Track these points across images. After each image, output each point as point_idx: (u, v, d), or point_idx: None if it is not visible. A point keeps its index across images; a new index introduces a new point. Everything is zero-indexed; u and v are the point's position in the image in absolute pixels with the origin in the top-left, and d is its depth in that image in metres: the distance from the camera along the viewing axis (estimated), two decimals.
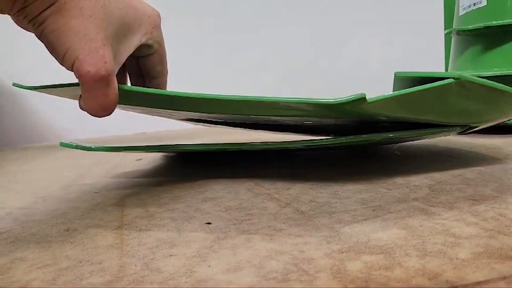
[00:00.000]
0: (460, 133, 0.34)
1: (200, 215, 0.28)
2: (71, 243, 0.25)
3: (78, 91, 0.26)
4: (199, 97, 0.27)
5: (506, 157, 0.40)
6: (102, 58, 0.25)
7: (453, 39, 0.58)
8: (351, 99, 0.24)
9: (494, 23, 0.50)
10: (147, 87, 0.34)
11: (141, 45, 0.30)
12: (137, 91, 0.29)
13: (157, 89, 0.32)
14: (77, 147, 0.36)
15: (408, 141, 0.46)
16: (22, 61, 0.87)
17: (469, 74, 0.52)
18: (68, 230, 0.27)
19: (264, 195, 0.32)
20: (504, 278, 0.18)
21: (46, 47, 0.25)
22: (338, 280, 0.18)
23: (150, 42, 0.30)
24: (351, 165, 0.41)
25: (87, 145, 0.37)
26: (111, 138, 0.89)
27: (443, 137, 0.54)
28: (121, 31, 0.27)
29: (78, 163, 0.55)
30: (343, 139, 0.31)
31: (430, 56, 0.90)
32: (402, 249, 0.21)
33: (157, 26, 0.31)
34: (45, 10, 0.23)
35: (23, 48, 0.88)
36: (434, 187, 0.31)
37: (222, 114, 0.34)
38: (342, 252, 0.21)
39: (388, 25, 1.04)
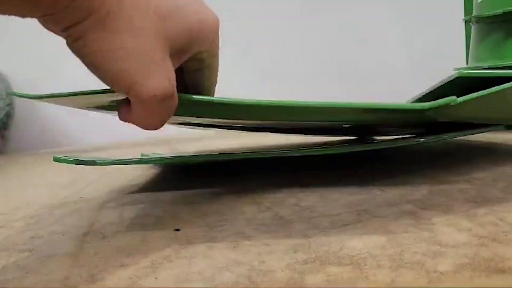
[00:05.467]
0: None
1: (172, 221, 0.26)
2: (30, 251, 0.23)
3: (104, 98, 0.23)
4: (274, 104, 0.24)
5: None
6: (166, 77, 0.20)
7: (472, 28, 0.54)
8: (442, 104, 0.23)
9: None
10: None
11: (191, 59, 0.24)
12: (204, 101, 0.25)
13: (228, 98, 0.25)
14: (74, 161, 0.33)
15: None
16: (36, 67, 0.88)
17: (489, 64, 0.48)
18: (33, 238, 0.26)
19: (247, 198, 0.29)
20: None
21: (87, 66, 0.20)
22: None
23: (204, 56, 0.24)
24: (351, 164, 0.38)
25: (83, 159, 0.34)
26: (118, 143, 0.89)
27: None
28: (179, 36, 0.21)
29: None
30: (387, 144, 0.29)
31: (452, 46, 0.85)
32: (375, 260, 0.18)
33: (217, 36, 0.24)
34: (80, 22, 0.18)
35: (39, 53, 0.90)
36: (434, 188, 0.27)
37: (270, 120, 0.31)
38: (306, 263, 0.18)
39: (407, 18, 0.99)
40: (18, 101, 0.90)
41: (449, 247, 0.18)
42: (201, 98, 0.24)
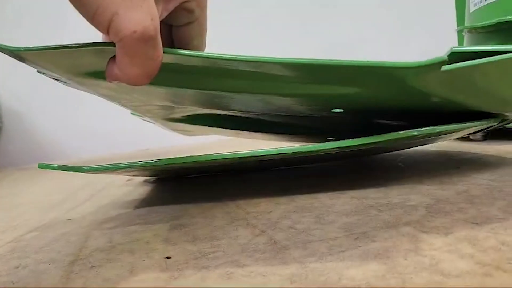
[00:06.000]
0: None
1: (163, 247, 0.25)
2: (13, 283, 0.22)
3: (93, 59, 0.23)
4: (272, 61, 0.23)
5: None
6: (149, 13, 0.19)
7: (465, 37, 0.54)
8: (432, 62, 0.22)
9: (508, 18, 0.45)
10: None
11: (180, 9, 0.24)
12: (190, 55, 0.23)
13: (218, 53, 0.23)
14: (58, 167, 0.33)
15: (422, 145, 0.43)
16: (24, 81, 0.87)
17: None
18: (18, 268, 0.25)
19: (241, 220, 0.29)
20: None
21: (70, 1, 0.19)
22: None
23: (193, 5, 0.23)
24: (346, 180, 0.37)
25: (70, 165, 0.33)
26: (109, 157, 0.88)
27: (454, 144, 0.50)
28: None
29: (74, 180, 0.54)
30: (380, 138, 0.28)
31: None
32: None
33: None
34: None
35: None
36: (432, 208, 0.27)
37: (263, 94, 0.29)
38: None
39: (401, 26, 0.99)
40: (6, 115, 0.89)
41: (452, 277, 0.18)
42: (188, 52, 0.23)
